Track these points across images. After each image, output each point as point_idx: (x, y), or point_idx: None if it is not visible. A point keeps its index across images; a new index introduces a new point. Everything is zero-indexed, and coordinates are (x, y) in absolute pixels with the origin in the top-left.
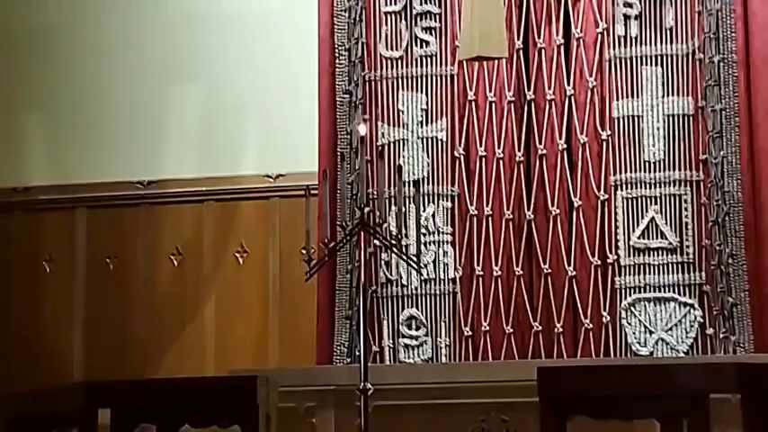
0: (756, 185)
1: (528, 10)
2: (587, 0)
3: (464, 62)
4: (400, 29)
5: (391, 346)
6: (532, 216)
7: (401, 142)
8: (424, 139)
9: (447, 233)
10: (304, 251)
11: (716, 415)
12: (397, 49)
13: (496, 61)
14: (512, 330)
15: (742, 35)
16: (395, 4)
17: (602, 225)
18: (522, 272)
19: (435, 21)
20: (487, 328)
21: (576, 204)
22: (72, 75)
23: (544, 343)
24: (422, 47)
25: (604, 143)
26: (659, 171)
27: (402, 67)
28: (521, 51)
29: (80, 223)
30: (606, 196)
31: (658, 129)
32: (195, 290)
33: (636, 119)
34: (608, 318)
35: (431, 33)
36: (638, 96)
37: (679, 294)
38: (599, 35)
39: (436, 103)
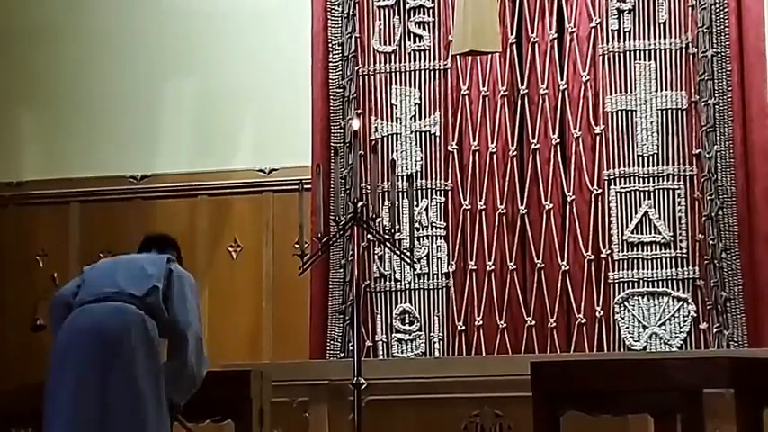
0: (750, 180)
1: (521, 4)
2: None
3: (457, 56)
4: (393, 23)
5: (385, 340)
6: (526, 210)
7: (394, 137)
8: (418, 134)
9: (440, 227)
10: (297, 246)
11: (710, 409)
12: (390, 44)
13: (490, 56)
14: (505, 325)
15: (735, 29)
16: None
17: (596, 219)
18: (515, 266)
19: (428, 15)
20: (481, 322)
21: (569, 199)
22: (66, 71)
23: (537, 337)
24: (415, 41)
25: (598, 137)
26: (652, 165)
27: (395, 62)
28: (514, 46)
29: (74, 218)
30: (600, 190)
31: (652, 123)
32: None
33: (629, 113)
34: (601, 312)
35: (424, 28)
36: (631, 91)
37: (672, 289)
38: (592, 29)
39: (429, 98)
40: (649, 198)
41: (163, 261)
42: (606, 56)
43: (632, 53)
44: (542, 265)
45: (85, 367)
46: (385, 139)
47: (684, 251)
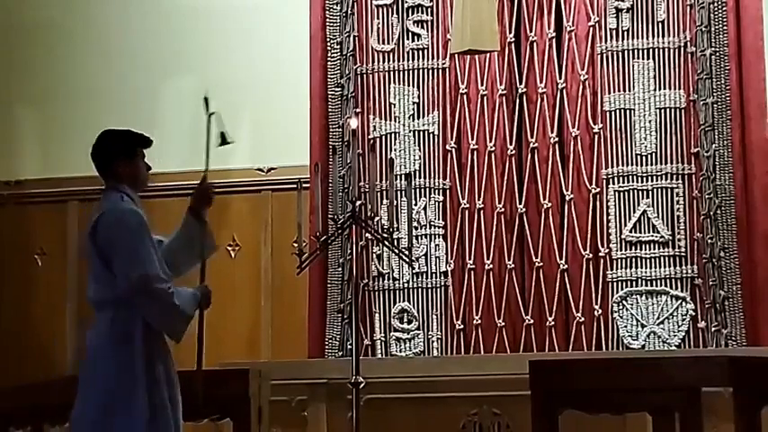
0: (748, 179)
1: (520, 3)
2: None
3: (456, 55)
4: (392, 22)
5: (383, 339)
6: (524, 209)
7: (393, 135)
8: (416, 133)
9: (439, 226)
10: (296, 244)
11: (708, 408)
12: (388, 43)
13: (488, 54)
14: (503, 324)
15: (734, 28)
16: None
17: (594, 218)
18: (513, 265)
19: (427, 14)
20: (479, 321)
21: (567, 198)
22: (64, 70)
23: (536, 336)
24: (413, 40)
25: (596, 136)
26: (651, 164)
27: (394, 61)
28: (512, 44)
29: (72, 217)
30: (598, 189)
31: (650, 122)
32: (187, 283)
33: (627, 112)
34: (600, 311)
35: (422, 26)
36: (629, 89)
37: (671, 287)
38: (591, 28)
39: (428, 97)
40: (648, 197)
41: (89, 238)
42: (604, 55)
43: (631, 52)
44: (541, 263)
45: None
46: (383, 137)
47: (683, 250)
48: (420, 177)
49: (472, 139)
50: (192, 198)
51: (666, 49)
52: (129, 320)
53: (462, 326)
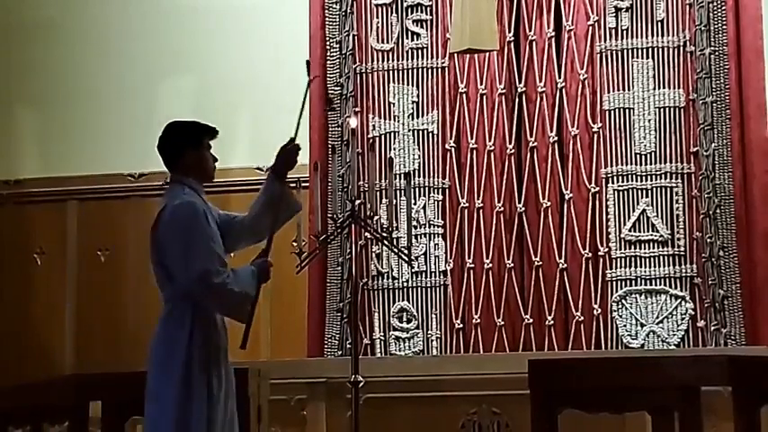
0: (748, 178)
1: (519, 2)
2: None
3: (455, 54)
4: (391, 21)
5: (382, 338)
6: (523, 208)
7: (392, 135)
8: (415, 132)
9: (438, 225)
10: (295, 243)
11: (707, 407)
12: (387, 42)
13: (487, 53)
14: (503, 323)
15: (733, 27)
16: None
17: (593, 217)
18: (512, 264)
19: (426, 13)
20: (478, 320)
21: (566, 197)
22: (64, 69)
23: (535, 335)
24: (413, 39)
25: (595, 135)
26: (650, 163)
27: (393, 60)
28: (512, 44)
29: (71, 216)
30: (597, 188)
31: (649, 121)
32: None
33: (627, 111)
34: (599, 310)
35: (422, 26)
36: (629, 89)
37: (670, 287)
38: (590, 27)
39: (427, 96)
40: (647, 196)
41: (152, 233)
42: (604, 54)
43: (630, 51)
44: (540, 263)
45: None
46: (383, 137)
47: (682, 249)
48: (419, 176)
49: (471, 139)
50: (276, 159)
51: (666, 49)
52: (182, 315)
53: (462, 325)
